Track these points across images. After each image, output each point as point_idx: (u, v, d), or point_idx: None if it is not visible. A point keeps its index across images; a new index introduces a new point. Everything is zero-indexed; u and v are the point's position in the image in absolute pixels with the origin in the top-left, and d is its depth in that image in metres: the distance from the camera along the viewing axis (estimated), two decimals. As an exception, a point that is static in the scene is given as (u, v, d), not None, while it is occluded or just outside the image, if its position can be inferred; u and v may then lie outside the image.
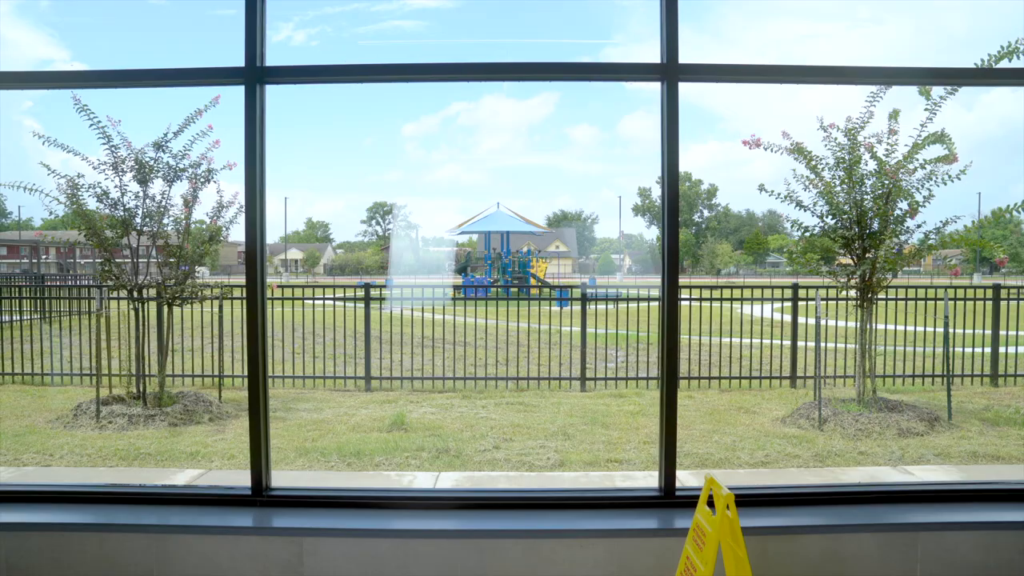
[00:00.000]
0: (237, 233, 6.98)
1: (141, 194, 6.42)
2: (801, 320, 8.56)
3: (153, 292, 6.65)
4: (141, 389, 6.58)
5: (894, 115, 6.13)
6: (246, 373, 3.04)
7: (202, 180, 6.51)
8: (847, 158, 6.17)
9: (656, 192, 47.35)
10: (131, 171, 6.35)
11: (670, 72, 2.91)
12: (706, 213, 63.50)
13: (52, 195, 6.29)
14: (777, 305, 10.48)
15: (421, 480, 4.82)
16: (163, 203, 6.47)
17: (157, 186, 6.44)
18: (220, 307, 7.63)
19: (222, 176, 6.61)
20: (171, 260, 6.54)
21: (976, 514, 2.90)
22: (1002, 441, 5.85)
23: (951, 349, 7.38)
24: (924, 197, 6.10)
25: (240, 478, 3.11)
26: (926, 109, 5.83)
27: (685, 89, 2.97)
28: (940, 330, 7.76)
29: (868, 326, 6.37)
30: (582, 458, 5.36)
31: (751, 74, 3.03)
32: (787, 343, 8.57)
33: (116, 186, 6.37)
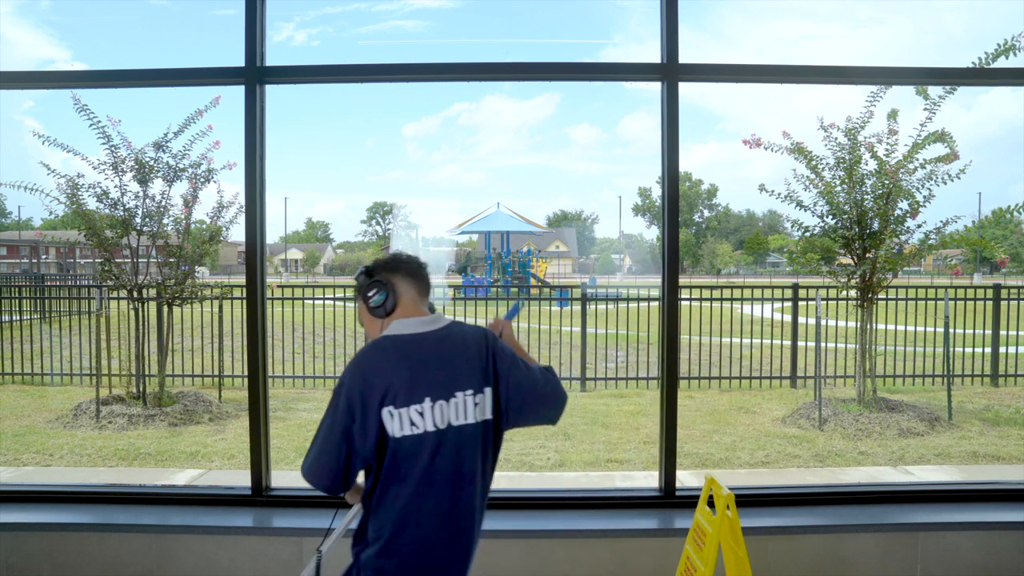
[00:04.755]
0: (237, 233, 6.97)
1: (141, 194, 6.41)
2: (801, 320, 8.56)
3: (153, 292, 6.65)
4: (141, 389, 6.58)
5: (893, 115, 6.13)
6: (246, 373, 3.04)
7: (202, 180, 6.50)
8: (847, 158, 6.17)
9: (656, 192, 47.35)
10: (131, 171, 6.34)
11: (670, 72, 2.91)
12: (706, 213, 63.57)
13: (52, 195, 6.29)
14: (777, 305, 10.48)
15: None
16: (163, 203, 6.46)
17: (157, 186, 6.43)
18: (220, 307, 7.62)
19: (222, 176, 6.61)
20: (171, 260, 6.54)
21: (976, 514, 2.90)
22: (1002, 441, 5.85)
23: (951, 349, 7.38)
24: (924, 197, 6.09)
25: (240, 478, 3.11)
26: (925, 109, 5.83)
27: (685, 89, 2.98)
28: (940, 330, 7.76)
29: (868, 326, 6.37)
30: (582, 458, 5.36)
31: (751, 74, 3.03)
32: (787, 343, 8.57)
33: (116, 186, 6.36)
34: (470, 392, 1.72)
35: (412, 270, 1.84)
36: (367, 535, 1.72)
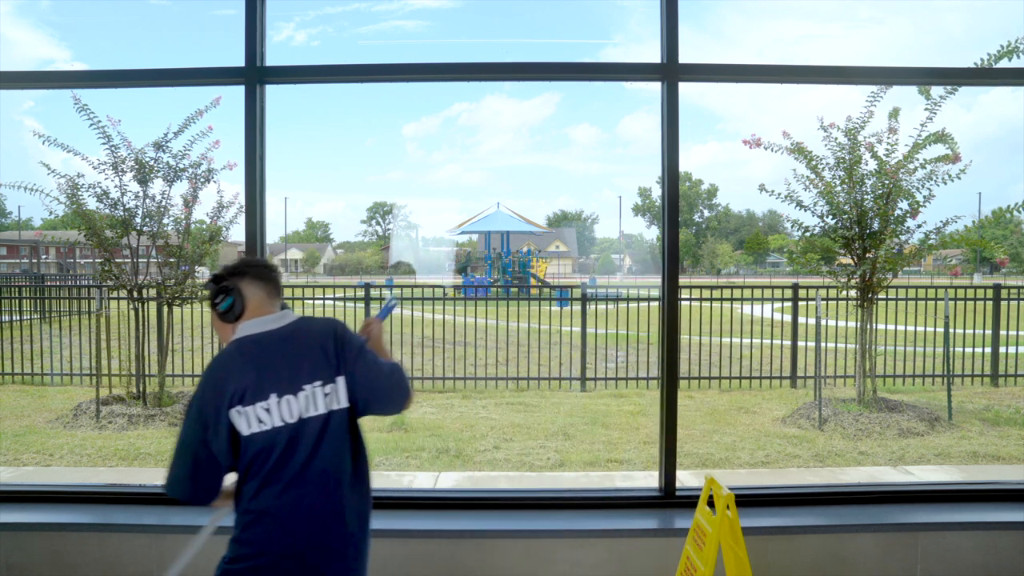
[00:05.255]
0: (237, 233, 6.96)
1: (141, 194, 6.41)
2: (801, 320, 8.56)
3: (153, 292, 6.65)
4: (141, 389, 6.58)
5: (894, 114, 6.13)
6: (246, 373, 3.03)
7: (202, 180, 6.50)
8: (847, 158, 6.17)
9: (656, 192, 47.29)
10: (131, 171, 6.34)
11: (670, 72, 2.91)
12: (706, 213, 63.53)
13: (52, 195, 6.29)
14: (777, 305, 10.48)
15: (421, 480, 4.82)
16: (163, 203, 6.46)
17: (157, 186, 6.43)
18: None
19: (222, 176, 6.60)
20: (171, 260, 6.53)
21: (976, 514, 2.90)
22: (1002, 441, 5.85)
23: (951, 349, 7.38)
24: (924, 197, 6.09)
25: (240, 478, 3.11)
26: (926, 109, 5.83)
27: (685, 89, 2.98)
28: (940, 330, 7.76)
29: (868, 326, 6.37)
30: (582, 458, 5.36)
31: (751, 74, 3.03)
32: (787, 343, 8.57)
33: (116, 186, 6.36)
34: (319, 383, 1.75)
35: (259, 273, 1.86)
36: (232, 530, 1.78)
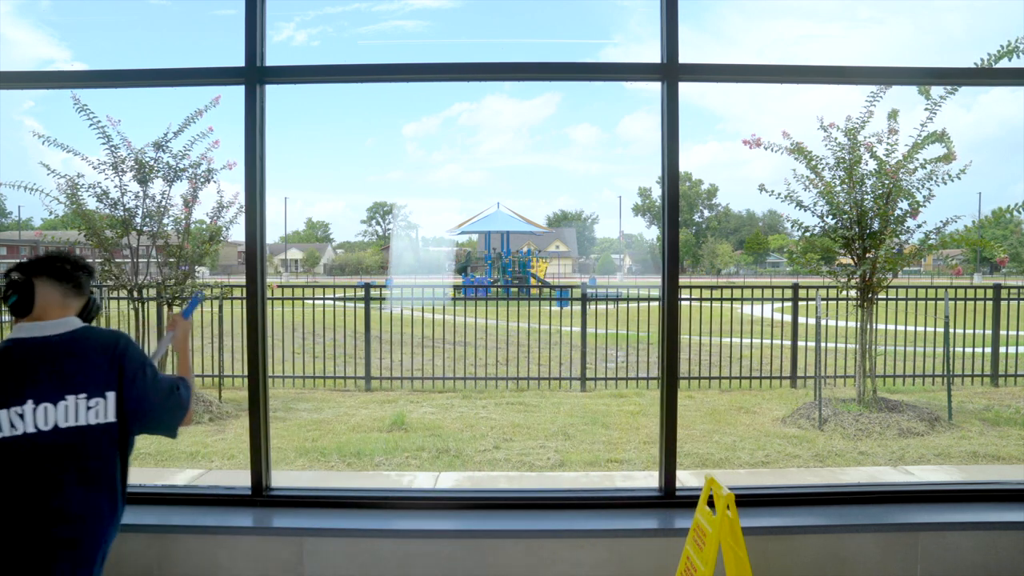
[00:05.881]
0: (237, 233, 6.98)
1: (141, 194, 6.42)
2: (801, 320, 8.56)
3: (153, 292, 6.64)
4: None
5: (893, 114, 6.13)
6: (246, 373, 3.04)
7: (202, 180, 6.51)
8: (847, 158, 6.17)
9: (656, 192, 47.37)
10: (131, 171, 6.35)
11: (670, 72, 2.91)
12: (706, 213, 63.54)
13: (52, 195, 6.30)
14: (777, 305, 10.47)
15: (421, 480, 4.82)
16: (163, 203, 6.47)
17: (157, 186, 6.45)
18: (220, 307, 7.62)
19: (222, 176, 6.62)
20: (171, 260, 6.54)
21: (976, 514, 2.90)
22: (1002, 441, 5.85)
23: (951, 349, 7.38)
24: (924, 197, 6.10)
25: (240, 478, 3.11)
26: (926, 109, 5.83)
27: (685, 89, 2.98)
28: (940, 330, 7.76)
29: (868, 326, 6.37)
30: (582, 458, 5.36)
31: (751, 74, 3.03)
32: (787, 343, 8.57)
33: (116, 186, 6.37)
34: (83, 396, 1.73)
35: (58, 272, 1.81)
36: None
